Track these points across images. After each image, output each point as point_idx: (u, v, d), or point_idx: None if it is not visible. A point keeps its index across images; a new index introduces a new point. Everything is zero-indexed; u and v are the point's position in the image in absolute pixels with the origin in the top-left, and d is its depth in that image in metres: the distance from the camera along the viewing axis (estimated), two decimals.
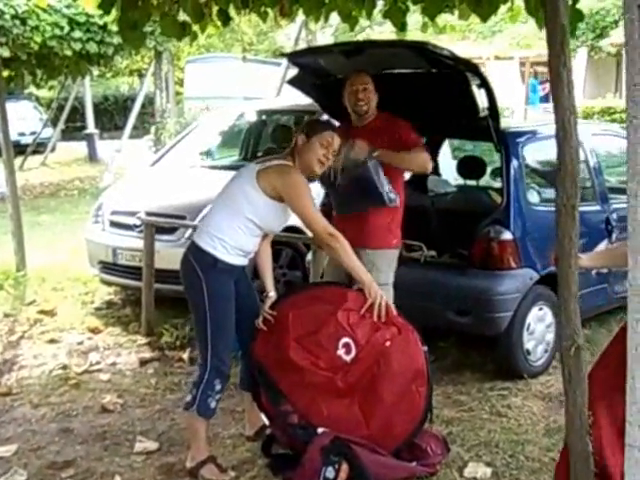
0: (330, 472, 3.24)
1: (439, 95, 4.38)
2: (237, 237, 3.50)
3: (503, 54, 22.84)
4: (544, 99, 24.70)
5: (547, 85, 25.52)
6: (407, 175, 4.73)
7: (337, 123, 4.37)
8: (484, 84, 4.25)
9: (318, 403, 3.44)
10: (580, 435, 2.69)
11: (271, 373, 3.53)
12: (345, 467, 3.26)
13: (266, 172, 3.51)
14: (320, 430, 3.37)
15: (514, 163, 4.62)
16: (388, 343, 3.48)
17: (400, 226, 4.25)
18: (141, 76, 19.98)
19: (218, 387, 3.56)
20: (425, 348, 3.60)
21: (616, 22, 19.85)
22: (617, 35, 19.31)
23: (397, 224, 4.25)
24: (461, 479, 3.54)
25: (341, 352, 3.45)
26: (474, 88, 4.25)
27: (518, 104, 21.17)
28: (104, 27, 8.92)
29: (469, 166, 5.58)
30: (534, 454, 3.74)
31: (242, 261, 3.62)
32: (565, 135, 2.63)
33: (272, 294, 3.74)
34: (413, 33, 7.38)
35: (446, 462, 3.64)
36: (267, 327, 3.62)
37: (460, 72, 4.22)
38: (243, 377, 3.95)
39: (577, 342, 2.63)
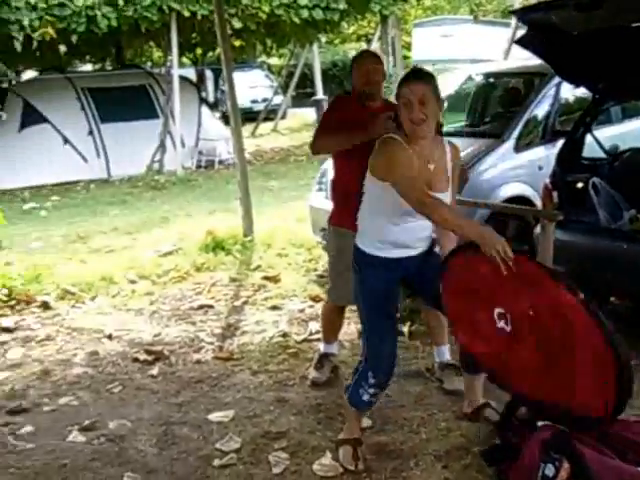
0: (550, 469, 2.90)
1: None
2: (380, 232, 3.27)
3: None
4: None
5: None
6: None
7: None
8: None
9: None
10: None
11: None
12: (567, 466, 2.90)
13: (372, 154, 3.21)
14: (540, 423, 3.08)
15: None
16: (531, 312, 2.87)
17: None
18: (368, 41, 20.06)
19: (372, 380, 3.38)
20: (582, 296, 2.72)
21: None
22: None
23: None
24: None
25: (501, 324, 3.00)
26: None
27: None
28: None
29: None
30: None
31: (402, 253, 3.30)
32: None
33: None
34: None
35: None
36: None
37: None
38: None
39: None
